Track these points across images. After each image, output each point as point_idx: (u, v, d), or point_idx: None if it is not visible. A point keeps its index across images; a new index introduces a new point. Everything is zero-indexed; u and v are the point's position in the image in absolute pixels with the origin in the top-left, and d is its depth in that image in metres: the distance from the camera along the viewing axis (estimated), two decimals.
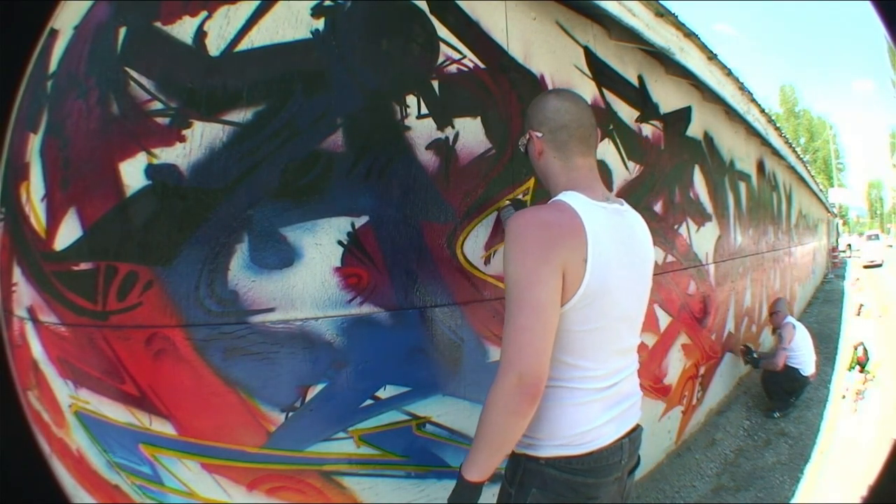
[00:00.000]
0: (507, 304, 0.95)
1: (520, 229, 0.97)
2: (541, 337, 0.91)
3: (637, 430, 1.13)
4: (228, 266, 1.25)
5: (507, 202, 1.79)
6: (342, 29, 1.40)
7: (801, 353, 3.95)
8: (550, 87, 1.98)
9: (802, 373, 3.89)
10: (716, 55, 3.10)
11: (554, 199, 1.06)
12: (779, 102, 43.74)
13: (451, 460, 1.65)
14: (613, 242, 1.01)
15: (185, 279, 1.21)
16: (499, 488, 1.09)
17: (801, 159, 7.52)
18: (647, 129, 2.69)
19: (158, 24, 1.18)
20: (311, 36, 1.35)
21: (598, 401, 1.03)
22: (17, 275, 1.30)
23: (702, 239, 3.44)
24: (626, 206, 1.13)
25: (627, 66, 2.55)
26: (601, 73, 2.31)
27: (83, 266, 1.19)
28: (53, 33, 1.21)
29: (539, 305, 0.91)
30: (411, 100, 1.54)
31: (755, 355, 4.11)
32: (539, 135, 1.12)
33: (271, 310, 1.30)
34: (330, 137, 1.38)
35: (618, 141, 2.41)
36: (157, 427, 1.21)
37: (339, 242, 1.40)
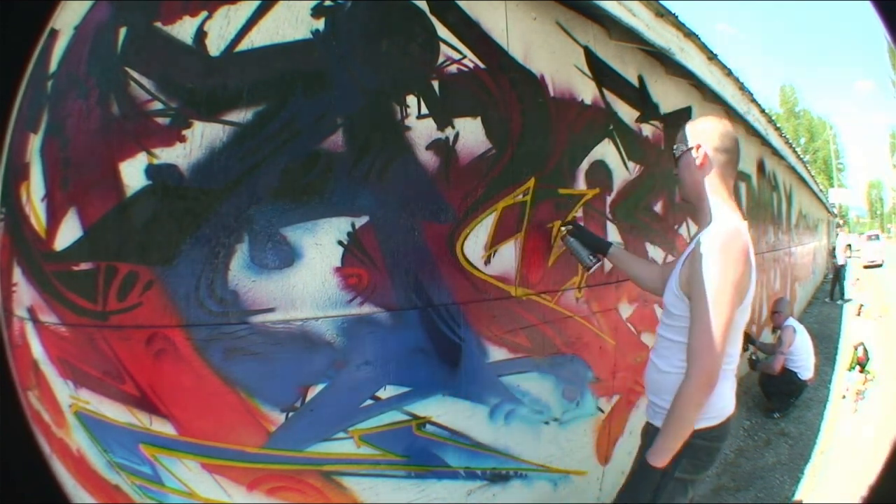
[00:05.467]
0: (697, 304, 1.14)
1: (729, 243, 1.17)
2: (722, 341, 1.11)
3: None
4: (228, 266, 1.25)
5: (569, 225, 1.86)
6: (342, 29, 1.40)
7: (801, 356, 3.91)
8: (551, 87, 1.98)
9: (800, 377, 3.86)
10: (716, 55, 3.10)
11: (728, 217, 1.26)
12: (779, 102, 43.68)
13: (452, 460, 1.65)
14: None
15: (185, 279, 1.21)
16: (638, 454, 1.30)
17: (801, 159, 7.52)
18: (648, 130, 2.69)
19: (158, 24, 1.18)
20: (311, 36, 1.35)
21: (732, 378, 1.28)
22: (18, 275, 1.30)
23: None
24: None
25: (627, 66, 2.54)
26: (601, 73, 2.30)
27: (83, 266, 1.19)
28: (53, 33, 1.21)
29: (727, 314, 1.11)
30: (411, 100, 1.54)
31: (754, 350, 4.10)
32: (709, 150, 1.30)
33: (271, 310, 1.30)
34: (330, 137, 1.38)
35: (618, 141, 2.40)
36: (158, 427, 1.21)
37: (339, 242, 1.40)
